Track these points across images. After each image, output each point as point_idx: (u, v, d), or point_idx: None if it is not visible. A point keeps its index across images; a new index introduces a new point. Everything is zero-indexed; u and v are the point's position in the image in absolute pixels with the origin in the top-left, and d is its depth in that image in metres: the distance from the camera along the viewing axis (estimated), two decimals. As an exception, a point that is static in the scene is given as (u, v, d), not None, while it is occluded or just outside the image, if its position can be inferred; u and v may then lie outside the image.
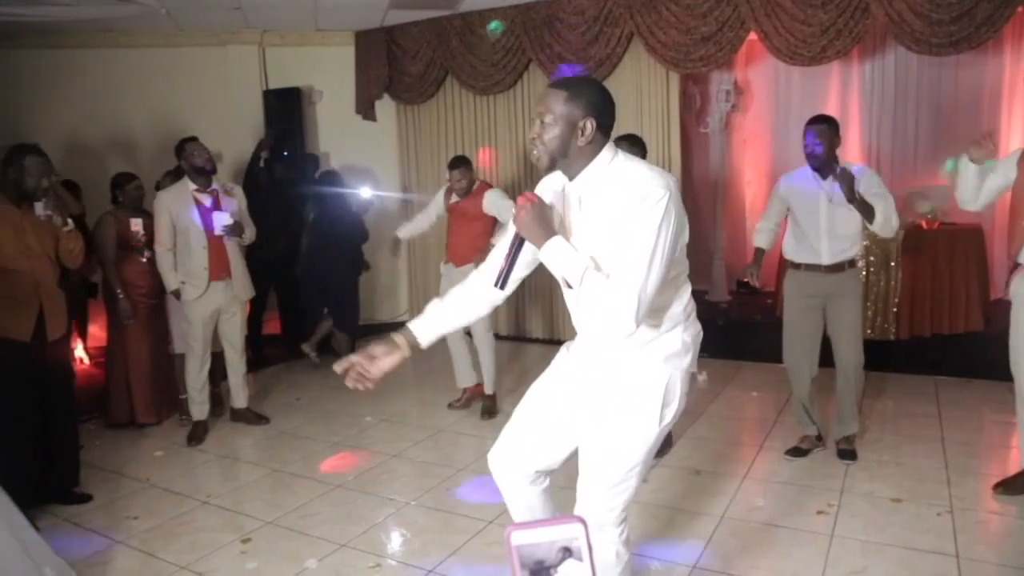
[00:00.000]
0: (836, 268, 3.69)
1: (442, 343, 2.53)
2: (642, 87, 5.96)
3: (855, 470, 3.70)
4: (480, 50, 6.45)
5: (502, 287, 1.94)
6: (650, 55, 5.79)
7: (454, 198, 4.72)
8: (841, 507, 3.31)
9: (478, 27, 6.40)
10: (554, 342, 6.24)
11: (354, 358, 2.00)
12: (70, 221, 3.51)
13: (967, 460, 3.75)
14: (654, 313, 1.90)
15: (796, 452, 3.88)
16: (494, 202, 4.58)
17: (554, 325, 6.64)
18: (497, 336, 5.00)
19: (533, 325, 6.78)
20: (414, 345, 2.05)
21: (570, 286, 1.85)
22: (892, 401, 4.74)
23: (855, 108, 6.56)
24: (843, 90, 6.60)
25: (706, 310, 6.16)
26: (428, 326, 2.08)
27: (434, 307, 2.11)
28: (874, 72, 6.51)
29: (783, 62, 5.52)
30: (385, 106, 7.08)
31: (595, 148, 1.88)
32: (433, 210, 4.89)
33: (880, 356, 5.08)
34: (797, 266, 3.82)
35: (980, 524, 3.15)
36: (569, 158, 1.87)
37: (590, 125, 1.83)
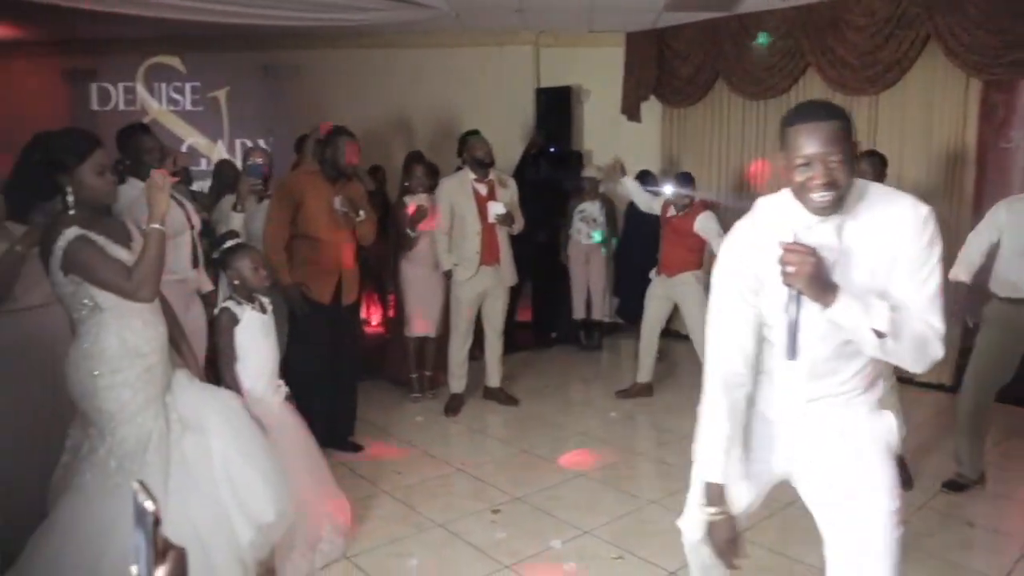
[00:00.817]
0: None
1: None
2: (935, 95, 5.42)
3: None
4: (754, 53, 6.24)
5: (795, 356, 1.71)
6: (949, 59, 5.25)
7: (672, 211, 4.85)
8: None
9: (753, 29, 6.20)
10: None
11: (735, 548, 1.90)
12: (362, 212, 3.99)
13: None
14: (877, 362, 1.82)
15: None
16: (705, 225, 4.71)
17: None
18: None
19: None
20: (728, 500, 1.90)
21: (877, 333, 1.62)
22: None
23: None
24: None
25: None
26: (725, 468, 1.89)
27: (719, 444, 1.87)
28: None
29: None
30: (651, 107, 7.11)
31: None
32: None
33: None
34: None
35: None
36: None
37: (857, 151, 1.69)
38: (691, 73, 6.73)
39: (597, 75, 7.20)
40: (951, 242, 5.31)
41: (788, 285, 1.64)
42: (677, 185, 4.86)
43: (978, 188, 5.73)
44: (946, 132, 5.41)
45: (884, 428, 1.85)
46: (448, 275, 4.73)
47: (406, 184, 5.03)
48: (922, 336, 1.63)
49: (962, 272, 3.57)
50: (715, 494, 1.86)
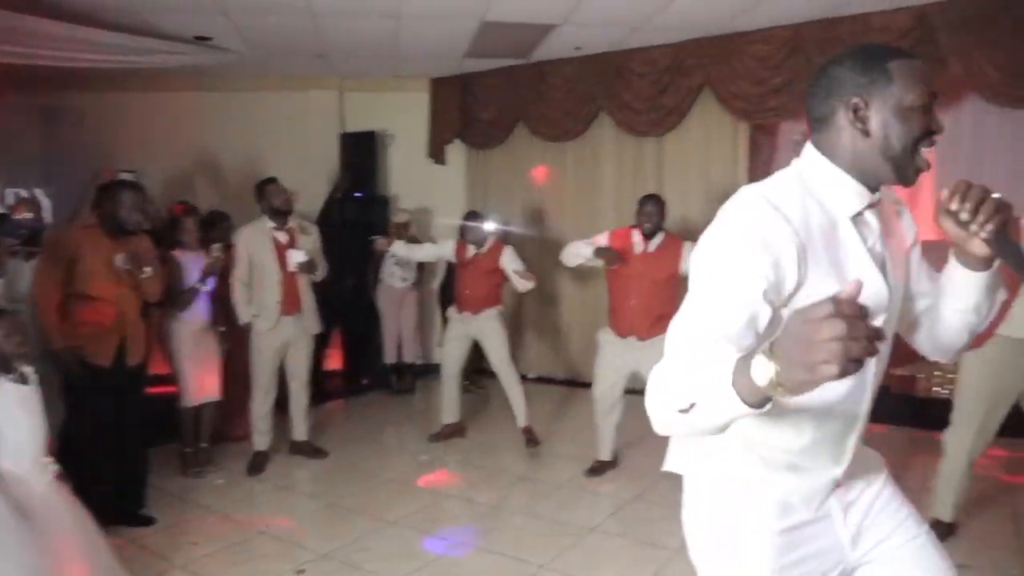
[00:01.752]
0: None
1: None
2: (711, 137, 5.97)
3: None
4: (551, 98, 6.59)
5: None
6: (721, 105, 5.82)
7: (471, 251, 4.89)
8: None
9: (550, 76, 6.55)
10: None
11: None
12: (147, 269, 3.73)
13: None
14: None
15: None
16: (512, 260, 4.81)
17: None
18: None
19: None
20: None
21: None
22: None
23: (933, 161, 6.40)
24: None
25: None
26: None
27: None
28: (951, 123, 6.35)
29: (854, 114, 5.47)
30: (455, 150, 7.28)
31: None
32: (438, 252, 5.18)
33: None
34: None
35: None
36: None
37: None
38: (493, 117, 6.98)
39: (403, 119, 7.27)
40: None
41: (987, 237, 1.24)
42: (475, 224, 4.85)
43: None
44: (721, 169, 5.95)
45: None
46: (248, 327, 4.54)
47: (178, 239, 4.64)
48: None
49: None
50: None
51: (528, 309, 6.90)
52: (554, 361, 6.88)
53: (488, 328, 4.87)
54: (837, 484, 1.39)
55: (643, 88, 6.11)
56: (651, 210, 4.15)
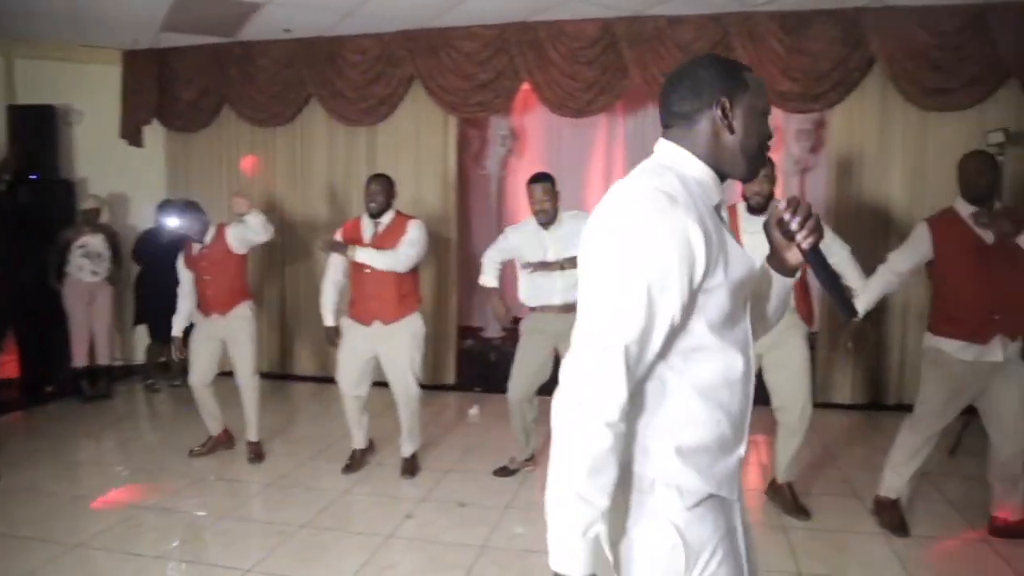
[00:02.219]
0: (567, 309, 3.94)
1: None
2: (421, 127, 6.10)
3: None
4: (259, 81, 6.30)
5: (855, 313, 1.61)
6: (430, 98, 5.96)
7: (197, 247, 4.44)
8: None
9: (258, 57, 6.26)
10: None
11: None
12: None
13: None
14: None
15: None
16: (235, 232, 4.36)
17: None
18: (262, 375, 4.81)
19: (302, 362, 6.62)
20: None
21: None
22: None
23: (619, 157, 7.13)
24: (609, 141, 7.16)
25: (481, 345, 6.44)
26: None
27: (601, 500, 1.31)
28: (636, 127, 7.13)
29: (552, 112, 5.92)
30: (154, 132, 6.68)
31: None
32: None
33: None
34: (534, 308, 4.10)
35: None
36: None
37: None
38: (195, 98, 6.51)
39: (93, 95, 6.52)
40: (448, 255, 6.20)
41: (806, 248, 1.42)
42: (184, 216, 4.41)
43: (462, 209, 6.61)
44: (433, 161, 6.11)
45: None
46: None
47: None
48: None
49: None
50: None
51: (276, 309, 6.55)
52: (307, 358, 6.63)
53: (239, 327, 4.43)
54: (741, 463, 1.43)
55: (355, 76, 6.08)
56: (375, 189, 4.08)
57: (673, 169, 1.37)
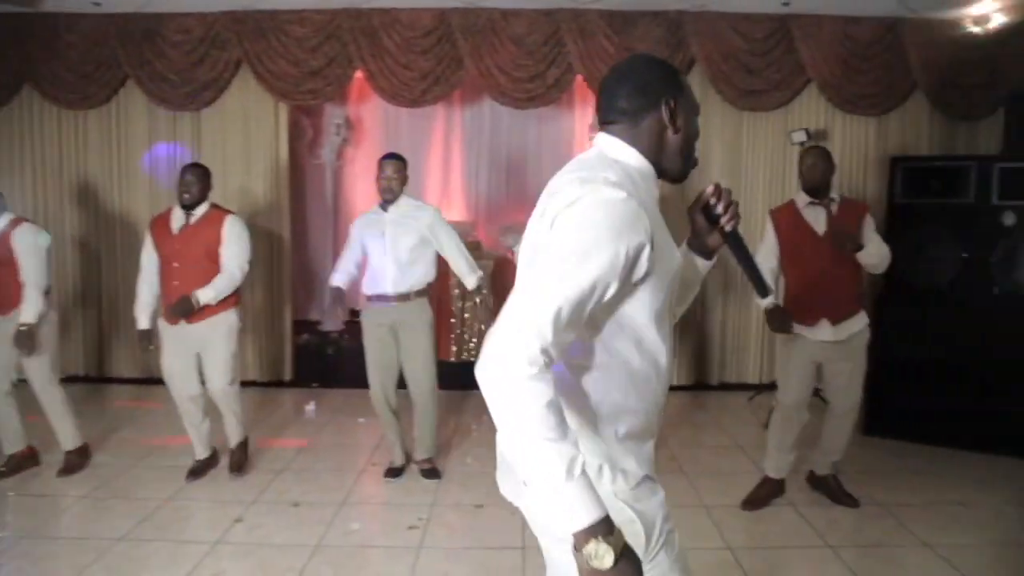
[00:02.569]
0: (403, 298, 3.94)
1: None
2: (250, 114, 5.82)
3: (447, 483, 3.99)
4: (67, 57, 5.75)
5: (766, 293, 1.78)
6: (259, 84, 5.70)
7: None
8: (431, 519, 3.54)
9: (66, 32, 5.70)
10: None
11: None
12: None
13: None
14: None
15: (393, 473, 4.08)
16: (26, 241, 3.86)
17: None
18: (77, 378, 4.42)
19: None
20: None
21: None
22: (473, 416, 5.20)
23: (457, 149, 7.15)
24: (447, 132, 7.16)
25: (318, 340, 6.25)
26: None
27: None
28: (472, 118, 7.17)
29: (387, 102, 5.83)
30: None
31: None
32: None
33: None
34: (370, 298, 4.02)
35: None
36: None
37: None
38: (-11, 74, 5.85)
39: None
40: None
41: (729, 231, 1.57)
42: None
43: (295, 199, 6.39)
44: (263, 150, 5.83)
45: None
46: None
47: None
48: None
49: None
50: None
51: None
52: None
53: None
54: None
55: (177, 58, 5.69)
56: (189, 179, 3.82)
57: (619, 162, 1.43)
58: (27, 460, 4.15)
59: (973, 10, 4.91)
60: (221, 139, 5.83)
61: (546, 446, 1.15)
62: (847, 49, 5.60)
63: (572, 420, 1.31)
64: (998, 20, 5.13)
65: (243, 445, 4.18)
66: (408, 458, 4.17)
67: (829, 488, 3.77)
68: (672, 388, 5.81)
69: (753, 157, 5.84)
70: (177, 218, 3.87)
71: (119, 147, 5.92)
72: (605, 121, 1.49)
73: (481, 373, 1.19)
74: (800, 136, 5.44)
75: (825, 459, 3.78)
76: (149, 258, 3.92)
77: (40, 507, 3.71)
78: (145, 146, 5.91)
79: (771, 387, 5.31)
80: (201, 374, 3.99)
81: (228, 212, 3.98)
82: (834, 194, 3.64)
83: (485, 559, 3.15)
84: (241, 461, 4.13)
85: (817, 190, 3.58)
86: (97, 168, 5.94)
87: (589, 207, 1.28)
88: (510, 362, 1.16)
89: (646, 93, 1.45)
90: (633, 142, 1.46)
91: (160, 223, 3.93)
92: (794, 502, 3.74)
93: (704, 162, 5.85)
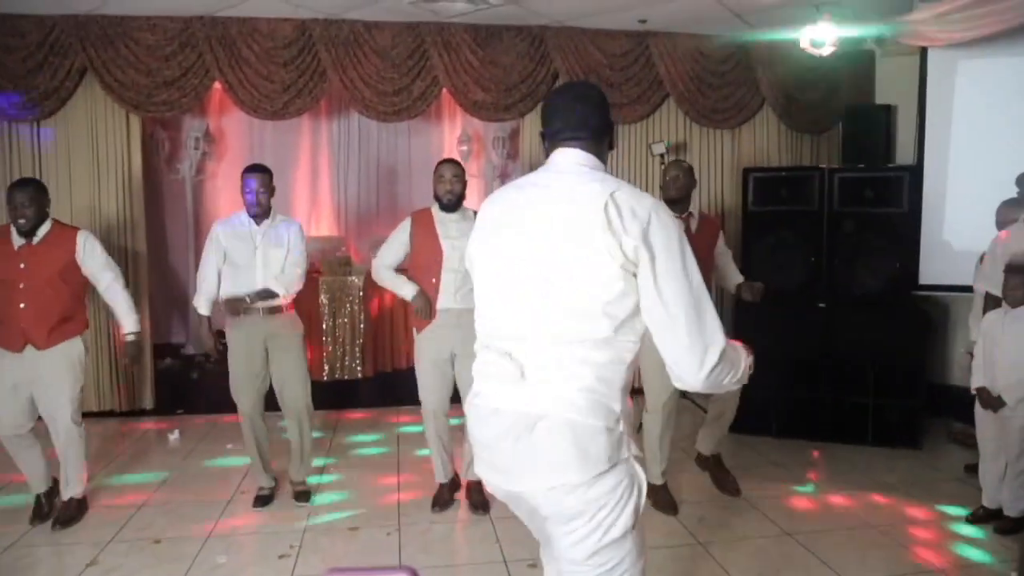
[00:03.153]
0: (274, 311, 3.81)
1: None
2: (98, 127, 5.45)
3: (320, 507, 3.87)
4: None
5: None
6: (107, 94, 5.36)
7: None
8: (303, 546, 3.42)
9: None
10: None
11: None
12: None
13: (417, 479, 4.21)
14: None
15: (262, 501, 3.91)
16: None
17: None
18: None
19: None
20: None
21: None
22: (350, 435, 5.10)
23: (325, 162, 7.01)
24: (314, 145, 7.01)
25: (181, 364, 5.95)
26: None
27: None
28: (340, 131, 7.05)
29: (247, 114, 5.63)
30: None
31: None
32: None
33: (347, 393, 5.51)
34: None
35: (421, 535, 3.54)
36: None
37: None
38: None
39: None
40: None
41: None
42: None
43: (154, 216, 6.05)
44: (113, 163, 5.47)
45: None
46: None
47: None
48: None
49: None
50: None
51: None
52: None
53: None
54: None
55: (12, 64, 5.25)
56: (21, 199, 3.45)
57: (601, 172, 1.65)
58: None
59: (808, 33, 5.28)
60: (66, 152, 5.43)
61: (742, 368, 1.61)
62: (701, 66, 5.90)
63: (619, 395, 1.55)
64: (832, 42, 5.55)
65: (81, 503, 3.75)
66: (276, 481, 4.02)
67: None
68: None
69: (616, 168, 6.04)
70: (14, 237, 3.51)
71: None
72: (572, 137, 1.66)
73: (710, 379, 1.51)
74: (660, 148, 5.67)
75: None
76: None
77: None
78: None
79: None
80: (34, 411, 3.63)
81: (74, 228, 3.70)
82: (692, 209, 3.81)
83: (361, 582, 3.08)
84: (73, 517, 3.67)
85: (677, 202, 3.73)
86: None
87: (665, 215, 1.53)
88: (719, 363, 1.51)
89: (606, 114, 1.69)
90: (597, 155, 1.67)
91: None
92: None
93: (571, 173, 6.00)
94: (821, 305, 4.79)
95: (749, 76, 5.98)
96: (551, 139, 1.70)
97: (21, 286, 3.48)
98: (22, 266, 3.49)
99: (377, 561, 3.24)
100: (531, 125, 5.89)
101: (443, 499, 3.83)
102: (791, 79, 5.94)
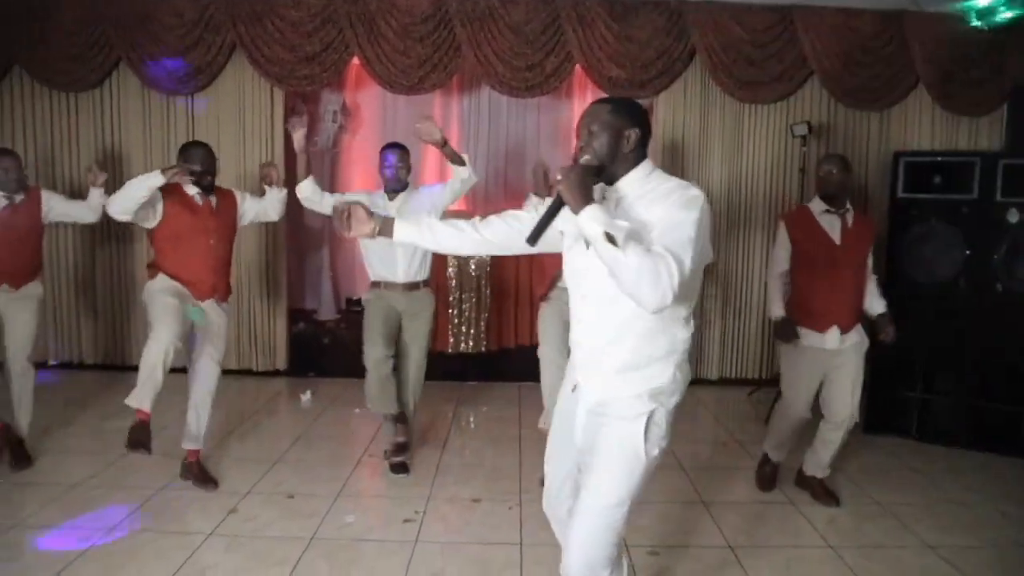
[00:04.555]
0: (412, 287, 3.95)
1: None
2: (245, 99, 5.73)
3: (443, 476, 3.95)
4: (55, 39, 5.62)
5: (533, 242, 1.96)
6: (254, 68, 5.61)
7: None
8: (427, 513, 3.50)
9: (53, 10, 5.59)
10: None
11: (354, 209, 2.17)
12: None
13: (538, 456, 4.21)
14: (656, 336, 2.00)
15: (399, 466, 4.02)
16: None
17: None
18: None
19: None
20: (385, 231, 2.18)
21: (614, 243, 1.73)
22: (484, 407, 5.17)
23: (455, 138, 7.07)
24: (445, 121, 7.08)
25: (314, 329, 6.20)
26: (408, 227, 2.20)
27: (424, 219, 2.23)
28: (471, 107, 7.10)
29: (383, 88, 5.75)
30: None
31: (637, 157, 2.00)
32: None
33: (472, 365, 5.59)
34: (377, 284, 4.00)
35: (543, 511, 3.54)
36: (616, 163, 1.98)
37: (634, 135, 1.97)
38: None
39: None
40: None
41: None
42: None
43: (291, 187, 6.27)
44: (258, 134, 5.75)
45: (630, 416, 2.03)
46: None
47: None
48: (650, 268, 1.72)
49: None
50: None
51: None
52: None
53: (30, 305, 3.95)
54: None
55: (171, 41, 5.58)
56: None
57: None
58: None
59: (977, 4, 4.86)
60: (216, 124, 5.74)
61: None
62: (849, 42, 5.54)
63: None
64: (1002, 14, 5.08)
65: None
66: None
67: (811, 487, 3.75)
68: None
69: (754, 149, 5.79)
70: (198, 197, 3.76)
71: (112, 131, 5.82)
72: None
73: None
74: (802, 129, 5.38)
75: (813, 461, 3.74)
76: None
77: (24, 498, 3.64)
78: (139, 130, 5.80)
79: (771, 383, 5.30)
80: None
81: (230, 190, 4.02)
82: (848, 204, 3.60)
83: (481, 554, 3.12)
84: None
85: (833, 198, 3.54)
86: (88, 152, 5.84)
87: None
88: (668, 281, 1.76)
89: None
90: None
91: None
92: (795, 501, 3.72)
93: (705, 153, 5.82)
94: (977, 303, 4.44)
95: (902, 53, 5.57)
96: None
97: (211, 241, 3.76)
98: (210, 223, 3.76)
99: (497, 534, 3.27)
100: (666, 103, 5.73)
101: None
102: (951, 56, 5.49)
